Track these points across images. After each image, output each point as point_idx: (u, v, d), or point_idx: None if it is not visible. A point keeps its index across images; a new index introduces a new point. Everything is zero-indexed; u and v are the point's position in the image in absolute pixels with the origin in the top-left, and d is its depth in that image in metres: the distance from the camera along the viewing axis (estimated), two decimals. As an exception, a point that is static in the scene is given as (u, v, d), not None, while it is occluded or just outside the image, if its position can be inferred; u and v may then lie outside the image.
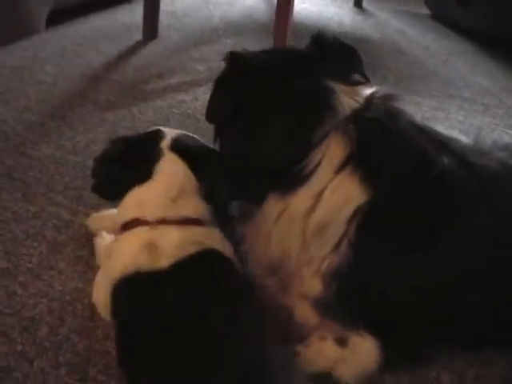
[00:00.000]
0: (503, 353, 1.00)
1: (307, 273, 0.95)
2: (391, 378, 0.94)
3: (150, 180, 0.98)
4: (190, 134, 1.08)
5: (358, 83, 1.04)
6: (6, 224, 1.22)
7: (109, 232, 1.14)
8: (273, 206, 0.96)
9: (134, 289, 0.90)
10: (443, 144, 0.97)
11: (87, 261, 1.13)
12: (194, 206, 0.99)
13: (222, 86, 1.05)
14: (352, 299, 0.91)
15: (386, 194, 0.90)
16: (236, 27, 2.55)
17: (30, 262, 1.13)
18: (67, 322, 1.01)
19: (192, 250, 0.92)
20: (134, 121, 1.67)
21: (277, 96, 0.98)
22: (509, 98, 2.10)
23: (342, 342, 0.92)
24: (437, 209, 0.92)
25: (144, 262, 0.90)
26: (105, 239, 1.13)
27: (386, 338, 0.91)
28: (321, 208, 0.92)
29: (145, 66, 2.06)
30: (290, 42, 2.04)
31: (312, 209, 0.93)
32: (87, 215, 1.23)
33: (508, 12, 2.51)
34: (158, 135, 1.04)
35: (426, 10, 3.08)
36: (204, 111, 1.08)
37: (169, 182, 0.98)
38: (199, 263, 0.92)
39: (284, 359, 0.85)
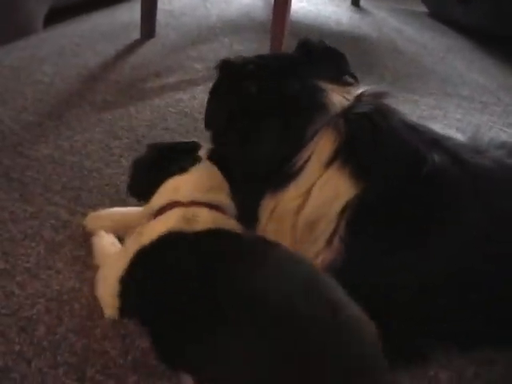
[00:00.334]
0: (502, 352, 1.00)
1: None
2: (390, 376, 0.94)
3: (187, 172, 1.05)
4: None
5: (348, 83, 1.05)
6: (4, 224, 1.22)
7: (107, 231, 1.14)
8: (266, 204, 0.97)
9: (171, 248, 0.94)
10: (435, 141, 0.97)
11: (85, 261, 1.13)
12: (222, 199, 1.04)
13: (216, 94, 1.07)
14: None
15: (375, 190, 0.91)
16: (233, 26, 2.55)
17: (27, 262, 1.12)
18: (65, 321, 1.01)
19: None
20: (131, 120, 1.66)
21: (269, 101, 0.99)
22: (507, 96, 2.10)
23: None
24: (427, 206, 0.92)
25: (182, 226, 0.96)
26: (103, 238, 1.13)
27: (383, 338, 0.91)
28: (310, 204, 0.93)
29: (142, 65, 2.06)
30: (287, 40, 2.03)
31: (302, 205, 0.93)
32: (85, 215, 1.22)
33: (508, 10, 2.51)
34: (195, 145, 1.11)
35: (423, 8, 3.08)
36: (202, 110, 1.09)
37: (203, 176, 1.05)
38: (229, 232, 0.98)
39: None
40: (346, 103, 0.97)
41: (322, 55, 1.10)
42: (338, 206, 0.91)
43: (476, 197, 0.93)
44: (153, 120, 1.67)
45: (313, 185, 0.93)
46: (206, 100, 1.15)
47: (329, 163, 0.92)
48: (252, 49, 2.28)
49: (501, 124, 1.86)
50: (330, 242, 0.91)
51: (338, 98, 0.98)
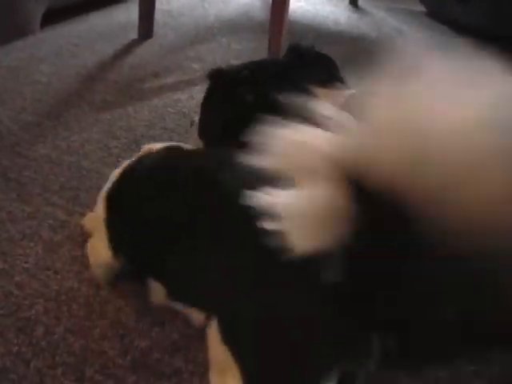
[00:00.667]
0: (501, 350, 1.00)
1: None
2: (390, 376, 0.94)
3: None
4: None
5: (338, 87, 1.05)
6: (2, 224, 1.22)
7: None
8: None
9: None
10: None
11: (83, 261, 1.12)
12: None
13: (210, 102, 1.06)
14: None
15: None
16: (231, 26, 2.55)
17: (25, 263, 1.12)
18: (63, 321, 1.00)
19: None
20: (129, 120, 1.66)
21: (264, 108, 0.99)
22: (505, 95, 2.10)
23: None
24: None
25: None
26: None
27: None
28: None
29: (140, 65, 2.06)
30: (285, 40, 2.03)
31: None
32: (83, 215, 1.22)
33: (507, 9, 2.51)
34: None
35: (421, 8, 3.08)
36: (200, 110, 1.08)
37: None
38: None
39: None
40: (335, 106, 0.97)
41: (312, 60, 1.10)
42: None
43: None
44: (151, 120, 1.67)
45: None
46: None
47: None
48: (250, 48, 2.28)
49: (499, 123, 1.86)
50: None
51: (328, 101, 0.99)
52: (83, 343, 0.97)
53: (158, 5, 2.29)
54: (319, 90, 1.00)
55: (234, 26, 2.54)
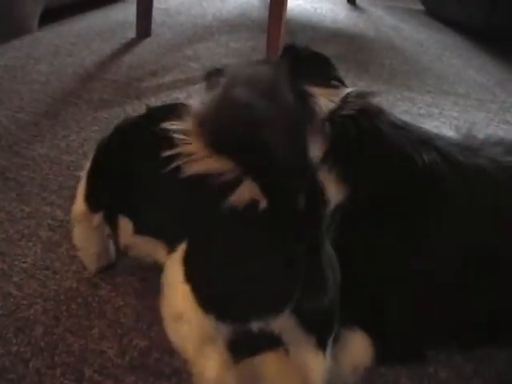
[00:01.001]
0: (501, 349, 1.00)
1: None
2: (389, 375, 0.94)
3: None
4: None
5: (335, 86, 1.04)
6: (1, 224, 1.21)
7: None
8: None
9: None
10: (425, 141, 0.96)
11: (82, 260, 1.12)
12: None
13: None
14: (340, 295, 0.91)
15: (363, 193, 0.90)
16: (229, 24, 2.55)
17: (24, 262, 1.12)
18: (62, 321, 1.00)
19: None
20: (127, 119, 1.66)
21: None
22: (503, 93, 2.10)
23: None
24: (416, 208, 0.92)
25: None
26: None
27: (376, 335, 0.90)
28: None
29: (138, 64, 2.06)
30: (283, 39, 2.03)
31: None
32: (82, 214, 1.22)
33: (504, 7, 2.51)
34: None
35: (419, 6, 3.08)
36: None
37: None
38: None
39: None
40: (331, 106, 0.97)
41: (308, 59, 1.10)
42: (327, 210, 0.90)
43: (467, 198, 0.92)
44: (149, 119, 1.66)
45: None
46: (201, 99, 1.15)
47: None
48: (248, 47, 2.28)
49: (497, 121, 1.86)
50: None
51: (325, 101, 0.98)
52: (82, 343, 0.96)
53: (155, 3, 2.29)
54: (316, 90, 1.00)
55: (232, 25, 2.54)
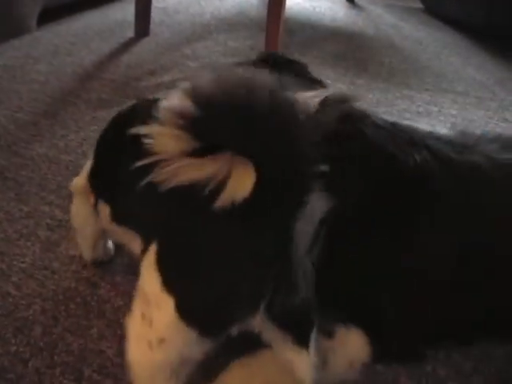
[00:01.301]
0: (500, 347, 1.00)
1: None
2: (388, 374, 0.94)
3: None
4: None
5: (314, 89, 1.04)
6: (-1, 224, 1.22)
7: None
8: None
9: None
10: (415, 140, 0.95)
11: (80, 260, 1.12)
12: None
13: None
14: (334, 296, 0.90)
15: (350, 200, 0.89)
16: (228, 23, 2.55)
17: (23, 262, 1.12)
18: (61, 321, 1.00)
19: None
20: (126, 119, 1.66)
21: None
22: (502, 91, 2.10)
23: (328, 334, 0.92)
24: (407, 207, 0.91)
25: None
26: None
27: (372, 333, 0.90)
28: None
29: (137, 64, 2.06)
30: (282, 37, 2.03)
31: None
32: (80, 214, 1.22)
33: (503, 5, 2.51)
34: None
35: (418, 4, 3.08)
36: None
37: None
38: None
39: None
40: (311, 111, 0.96)
41: (286, 66, 1.09)
42: (314, 222, 0.90)
43: (460, 195, 0.92)
44: (148, 118, 1.66)
45: None
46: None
47: None
48: (247, 46, 2.28)
49: (496, 119, 1.86)
50: (309, 251, 0.90)
51: (304, 106, 0.97)
52: (81, 343, 0.96)
53: (154, 3, 2.29)
54: (295, 95, 0.99)
55: (231, 24, 2.54)
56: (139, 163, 0.71)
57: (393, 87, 2.02)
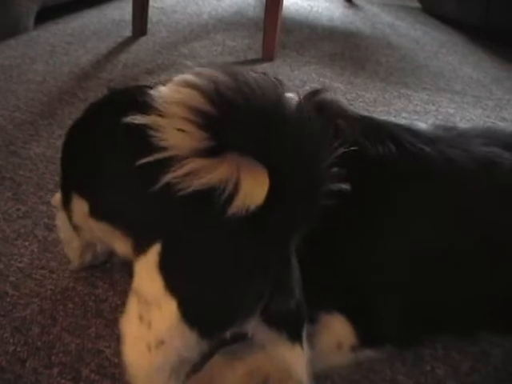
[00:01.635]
0: (498, 345, 1.00)
1: None
2: (387, 372, 0.94)
3: None
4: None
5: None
6: (-3, 224, 1.21)
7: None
8: None
9: None
10: (384, 132, 0.95)
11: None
12: None
13: None
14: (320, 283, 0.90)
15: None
16: (225, 23, 2.55)
17: (21, 262, 1.12)
18: (59, 321, 1.00)
19: None
20: (124, 118, 1.66)
21: None
22: (499, 90, 2.11)
23: (312, 320, 0.90)
24: (373, 197, 0.91)
25: None
26: None
27: (356, 317, 0.90)
28: None
29: (134, 63, 2.06)
30: (279, 37, 2.03)
31: None
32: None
33: (500, 4, 2.51)
34: None
35: (416, 3, 3.08)
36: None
37: None
38: None
39: None
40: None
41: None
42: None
43: (429, 187, 0.92)
44: (145, 118, 1.66)
45: None
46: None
47: None
48: (244, 45, 2.28)
49: (494, 118, 1.86)
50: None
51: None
52: (79, 342, 0.96)
53: (151, 2, 2.29)
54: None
55: (228, 23, 2.54)
56: (147, 159, 0.68)
57: (390, 86, 2.02)
